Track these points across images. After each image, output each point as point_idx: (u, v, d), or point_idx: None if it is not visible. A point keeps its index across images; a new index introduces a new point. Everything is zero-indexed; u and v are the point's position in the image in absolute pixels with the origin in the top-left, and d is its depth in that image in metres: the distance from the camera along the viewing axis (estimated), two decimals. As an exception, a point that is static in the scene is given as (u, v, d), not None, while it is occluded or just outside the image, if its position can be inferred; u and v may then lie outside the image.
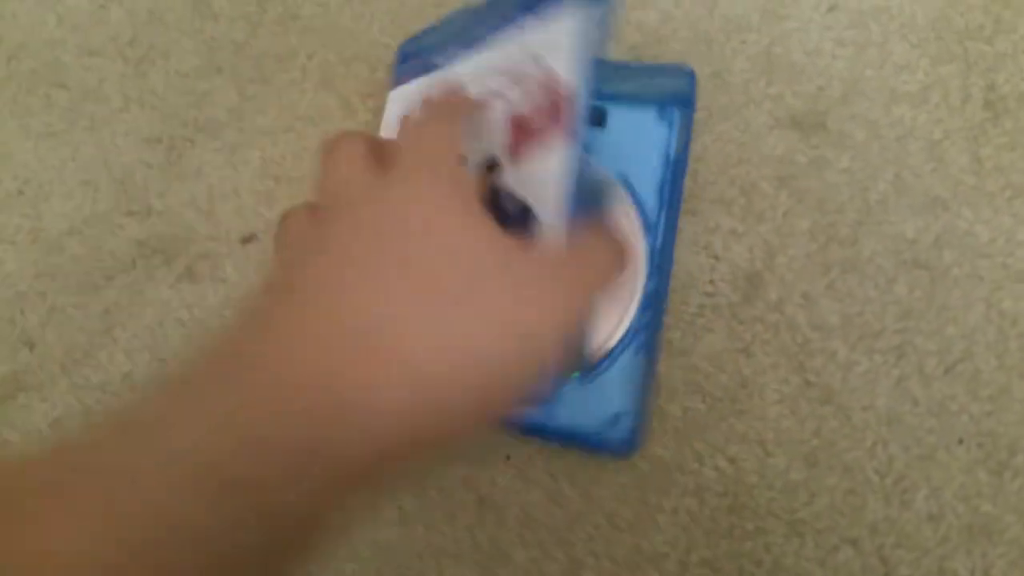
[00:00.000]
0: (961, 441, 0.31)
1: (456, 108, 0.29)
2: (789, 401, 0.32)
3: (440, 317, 0.21)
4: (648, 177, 0.33)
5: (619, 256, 0.27)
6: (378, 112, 0.38)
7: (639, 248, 0.33)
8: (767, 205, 0.34)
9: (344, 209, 0.23)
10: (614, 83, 0.35)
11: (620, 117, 0.34)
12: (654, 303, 0.32)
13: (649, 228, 0.33)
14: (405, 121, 0.27)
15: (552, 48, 0.31)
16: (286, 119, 0.39)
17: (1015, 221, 0.33)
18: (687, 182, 0.35)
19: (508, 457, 0.33)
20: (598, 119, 0.35)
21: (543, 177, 0.29)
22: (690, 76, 0.34)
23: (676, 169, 0.33)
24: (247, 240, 0.37)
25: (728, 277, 0.34)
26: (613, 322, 0.32)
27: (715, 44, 0.37)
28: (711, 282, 0.34)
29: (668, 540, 0.31)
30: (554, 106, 0.30)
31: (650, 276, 0.32)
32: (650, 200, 0.33)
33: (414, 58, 0.36)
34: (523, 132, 0.30)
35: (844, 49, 0.36)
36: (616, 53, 0.37)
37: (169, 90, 0.40)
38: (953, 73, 0.35)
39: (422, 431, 0.20)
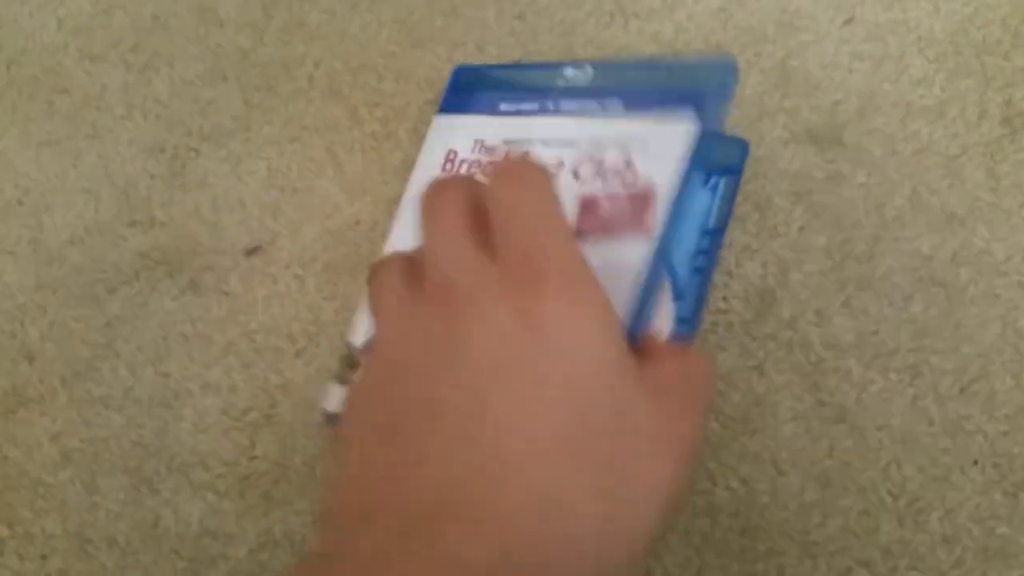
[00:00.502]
0: (976, 462, 0.31)
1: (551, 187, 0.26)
2: (802, 420, 0.32)
3: (607, 494, 0.20)
4: (684, 243, 0.33)
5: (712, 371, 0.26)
6: (385, 122, 0.38)
7: (666, 316, 0.32)
8: (781, 220, 0.34)
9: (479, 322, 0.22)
10: None
11: None
12: None
13: (677, 295, 0.32)
14: (500, 191, 0.25)
15: (647, 146, 0.31)
16: (293, 129, 0.38)
17: (1032, 239, 0.33)
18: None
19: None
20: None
21: (613, 270, 0.28)
22: (743, 146, 0.34)
23: (713, 240, 0.33)
24: (252, 252, 0.37)
25: (741, 294, 0.34)
26: None
27: (729, 56, 0.37)
28: (724, 299, 0.34)
29: (679, 562, 0.31)
30: (635, 201, 0.30)
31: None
32: (682, 267, 0.33)
33: (470, 89, 0.35)
34: (592, 215, 0.30)
35: (861, 63, 0.36)
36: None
37: (173, 98, 0.40)
38: (970, 88, 0.35)
39: None
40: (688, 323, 0.32)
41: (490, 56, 0.38)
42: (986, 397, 0.32)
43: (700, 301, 0.33)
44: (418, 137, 0.36)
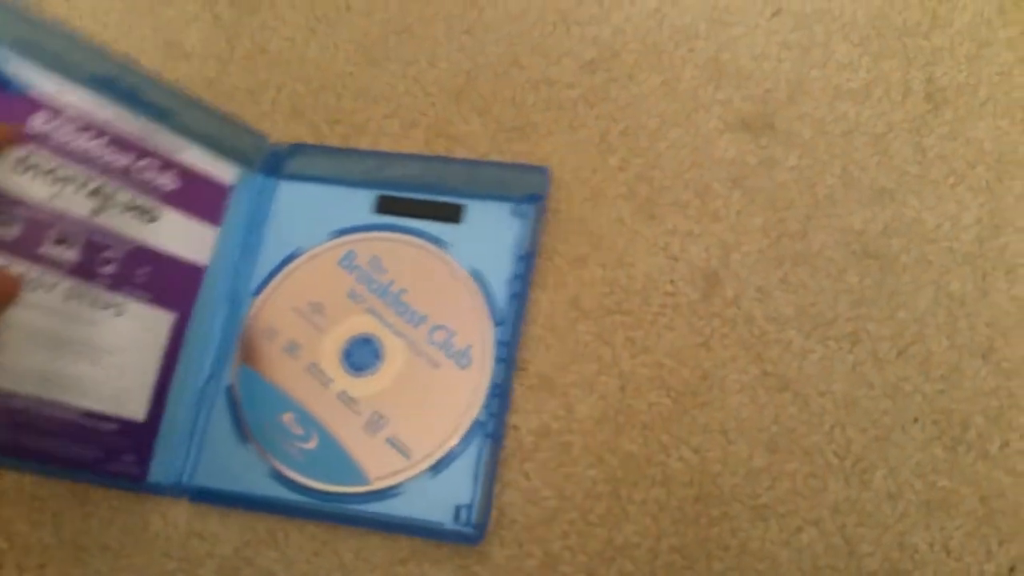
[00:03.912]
0: (916, 420, 0.35)
1: None
2: (748, 391, 0.36)
3: None
4: (500, 271, 0.39)
5: None
6: (347, 138, 0.43)
7: (488, 341, 0.38)
8: (721, 205, 0.39)
9: None
10: (472, 179, 0.40)
11: (476, 212, 0.40)
12: (501, 393, 0.37)
13: (499, 321, 0.38)
14: None
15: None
16: (258, 150, 0.44)
17: (959, 207, 0.38)
18: (645, 186, 0.39)
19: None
20: (455, 214, 0.40)
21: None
22: (543, 174, 0.39)
23: (526, 264, 0.38)
24: (226, 268, 0.42)
25: (687, 276, 0.38)
26: (457, 415, 0.37)
27: (665, 54, 0.42)
28: (671, 282, 0.38)
29: (639, 531, 0.35)
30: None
31: (497, 368, 0.37)
32: (500, 293, 0.38)
33: None
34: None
35: (789, 52, 0.41)
36: (573, 67, 0.42)
37: (145, 129, 0.45)
38: (894, 68, 0.40)
39: None
40: (508, 345, 0.37)
41: (441, 71, 0.43)
42: (923, 359, 0.36)
43: (518, 323, 0.38)
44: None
